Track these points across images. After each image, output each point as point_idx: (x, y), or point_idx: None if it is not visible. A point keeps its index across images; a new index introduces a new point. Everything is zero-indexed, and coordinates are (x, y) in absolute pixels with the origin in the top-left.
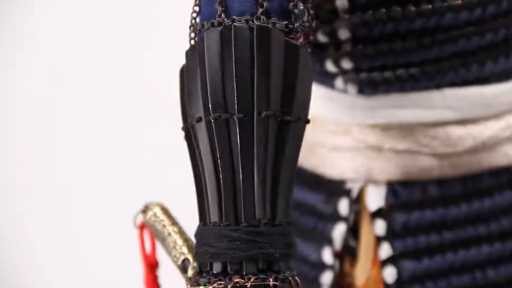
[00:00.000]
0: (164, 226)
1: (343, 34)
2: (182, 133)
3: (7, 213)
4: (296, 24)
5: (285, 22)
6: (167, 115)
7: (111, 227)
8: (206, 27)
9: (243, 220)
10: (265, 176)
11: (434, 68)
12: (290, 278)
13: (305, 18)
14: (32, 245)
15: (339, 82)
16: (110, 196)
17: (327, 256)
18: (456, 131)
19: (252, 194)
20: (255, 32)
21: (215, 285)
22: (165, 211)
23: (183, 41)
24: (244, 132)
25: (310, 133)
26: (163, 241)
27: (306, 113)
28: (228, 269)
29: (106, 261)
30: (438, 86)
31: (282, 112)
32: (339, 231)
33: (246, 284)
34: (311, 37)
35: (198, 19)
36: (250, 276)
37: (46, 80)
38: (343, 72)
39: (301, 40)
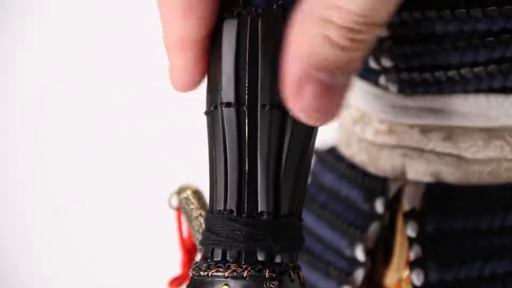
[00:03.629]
0: (192, 209)
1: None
2: (183, 134)
3: (7, 213)
4: None
5: None
6: (168, 115)
7: (111, 227)
8: (227, 16)
9: (245, 210)
10: (268, 168)
11: (471, 72)
12: (290, 271)
13: None
14: (32, 245)
15: (382, 80)
16: (110, 196)
17: (359, 252)
18: (494, 139)
19: (256, 185)
20: (263, 25)
21: (213, 271)
22: (197, 193)
23: None
24: (252, 123)
25: (359, 129)
26: (190, 223)
27: None
28: (227, 257)
29: (107, 261)
30: (476, 91)
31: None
32: (372, 229)
33: (243, 273)
34: None
35: None
36: (248, 265)
37: (47, 79)
38: (384, 70)
39: None
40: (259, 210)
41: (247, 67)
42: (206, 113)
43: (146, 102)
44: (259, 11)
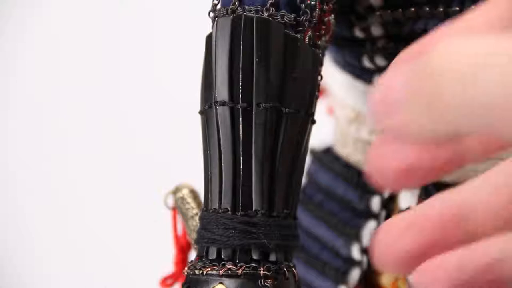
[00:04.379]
0: (188, 208)
1: (376, 30)
2: (183, 133)
3: (7, 213)
4: (302, 18)
5: (293, 16)
6: (168, 115)
7: (112, 226)
8: (221, 14)
9: (240, 209)
10: (263, 167)
11: None
12: (284, 269)
13: (314, 13)
14: (32, 245)
15: (376, 79)
16: (110, 196)
17: (355, 252)
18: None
19: (251, 183)
20: (257, 23)
21: (208, 269)
22: (194, 193)
23: (187, 39)
24: (246, 121)
25: (354, 129)
26: (186, 222)
27: (307, 106)
28: (222, 255)
29: (107, 260)
30: None
31: (280, 103)
32: (368, 228)
33: (238, 271)
34: (323, 31)
35: (219, 5)
36: (242, 264)
37: (47, 79)
38: (379, 69)
39: (309, 33)
40: (253, 209)
41: (241, 65)
42: (201, 112)
43: (144, 103)
44: (253, 9)
